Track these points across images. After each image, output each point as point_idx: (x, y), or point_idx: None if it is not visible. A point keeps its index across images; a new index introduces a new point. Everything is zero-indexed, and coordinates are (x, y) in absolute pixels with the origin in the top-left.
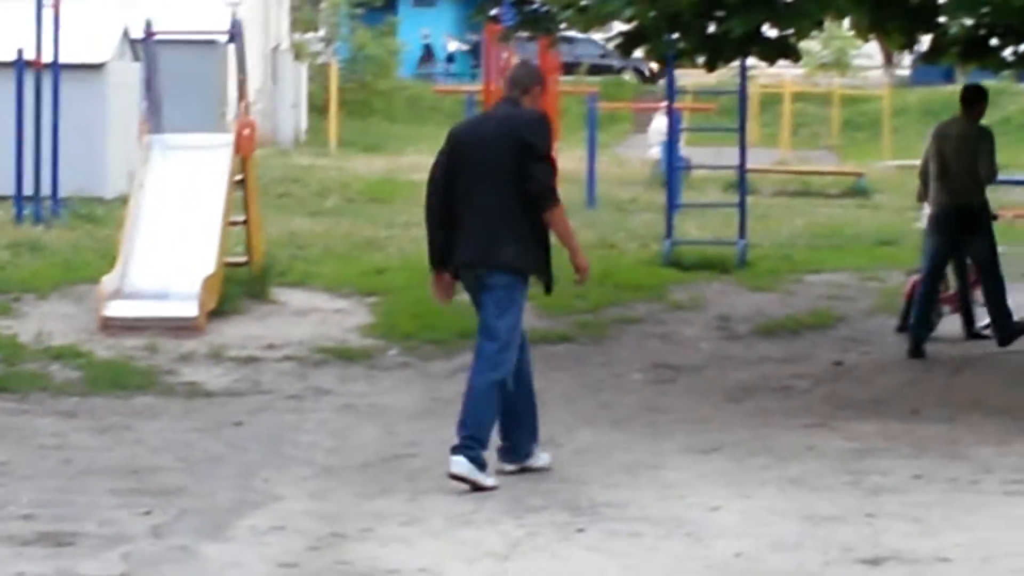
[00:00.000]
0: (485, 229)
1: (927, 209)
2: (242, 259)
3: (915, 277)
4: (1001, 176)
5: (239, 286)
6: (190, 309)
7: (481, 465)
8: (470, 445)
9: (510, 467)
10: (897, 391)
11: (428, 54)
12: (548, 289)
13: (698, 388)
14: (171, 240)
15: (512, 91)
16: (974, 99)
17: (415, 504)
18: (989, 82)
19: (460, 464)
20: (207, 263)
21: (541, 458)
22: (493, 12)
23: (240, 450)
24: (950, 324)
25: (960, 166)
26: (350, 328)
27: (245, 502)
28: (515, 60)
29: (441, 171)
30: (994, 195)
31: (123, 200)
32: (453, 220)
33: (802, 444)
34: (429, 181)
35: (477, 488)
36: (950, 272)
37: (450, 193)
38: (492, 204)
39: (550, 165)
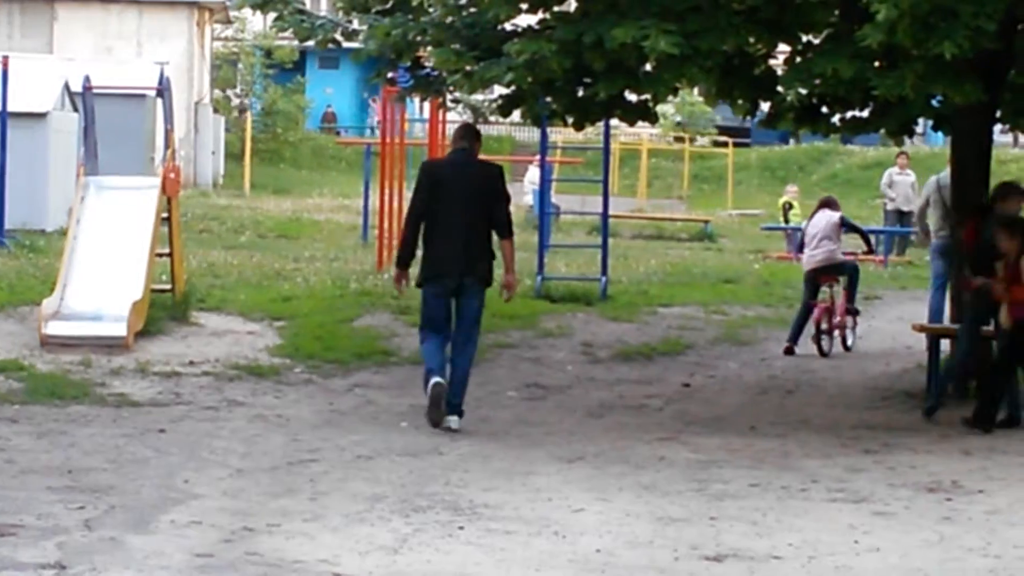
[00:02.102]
0: (465, 248)
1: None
2: (166, 286)
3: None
4: None
5: (163, 310)
6: (120, 329)
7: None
8: (460, 407)
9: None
10: (737, 410)
11: (330, 114)
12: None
13: (565, 405)
14: (104, 268)
15: (462, 143)
16: None
17: (316, 503)
18: (819, 144)
19: (455, 421)
20: (135, 289)
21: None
22: (390, 75)
23: (163, 453)
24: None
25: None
26: (261, 348)
27: (167, 499)
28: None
29: (423, 198)
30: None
31: (62, 233)
32: (431, 236)
33: (655, 455)
34: (411, 206)
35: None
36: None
37: (429, 216)
38: (470, 229)
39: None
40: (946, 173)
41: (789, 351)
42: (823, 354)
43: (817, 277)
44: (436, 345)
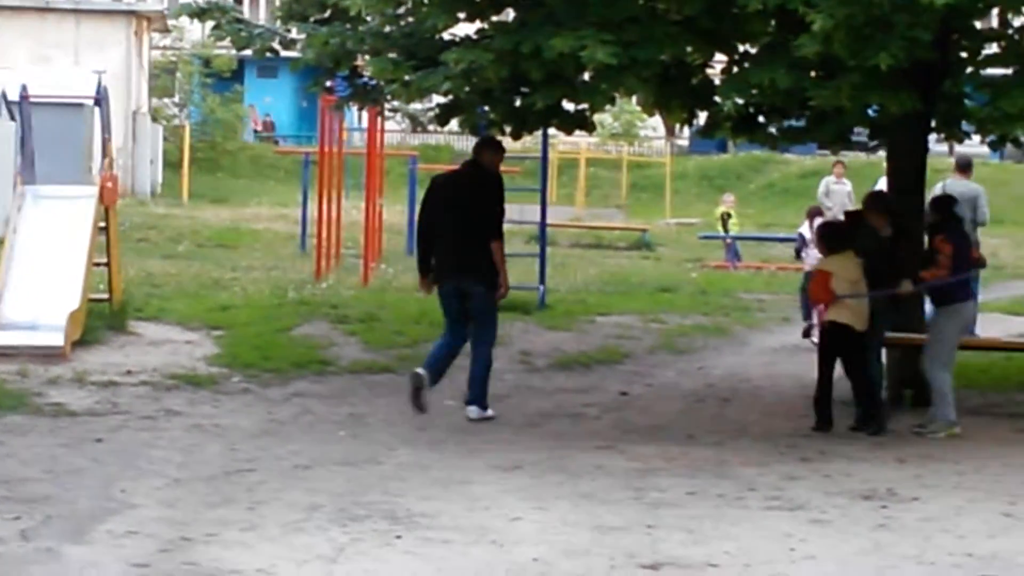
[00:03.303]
0: (459, 253)
1: None
2: (104, 296)
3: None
4: (765, 234)
5: (101, 319)
6: (57, 339)
7: (485, 408)
8: (479, 400)
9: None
10: (675, 418)
11: (269, 123)
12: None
13: (503, 414)
14: (41, 278)
15: (474, 155)
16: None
17: (254, 512)
18: (756, 153)
19: (474, 411)
20: (73, 299)
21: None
22: (328, 84)
23: (100, 463)
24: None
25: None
26: (198, 357)
27: (104, 509)
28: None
29: (428, 209)
30: (758, 250)
31: None
32: (437, 243)
33: (592, 464)
34: (420, 216)
35: (486, 419)
36: None
37: (434, 225)
38: (463, 235)
39: (502, 211)
40: (952, 180)
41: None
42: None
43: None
44: (440, 344)
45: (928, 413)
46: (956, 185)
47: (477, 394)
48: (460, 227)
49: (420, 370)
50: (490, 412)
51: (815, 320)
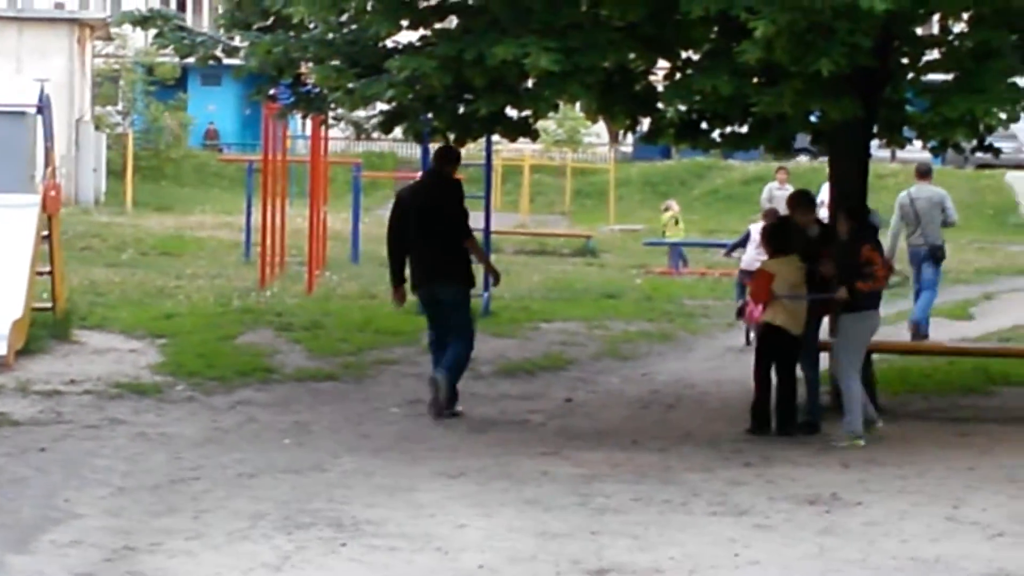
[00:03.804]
0: (431, 258)
1: None
2: (47, 304)
3: None
4: (708, 240)
5: (44, 328)
6: (0, 348)
7: (454, 404)
8: (455, 400)
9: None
10: (619, 424)
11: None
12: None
13: (447, 421)
14: None
15: (444, 163)
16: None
17: (199, 521)
18: (699, 159)
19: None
20: (16, 308)
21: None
22: (271, 92)
23: (44, 473)
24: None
25: (929, 218)
26: (143, 366)
27: (47, 519)
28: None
29: (396, 222)
30: (703, 256)
31: None
32: (418, 251)
33: (537, 470)
34: (389, 229)
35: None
36: None
37: (404, 236)
38: (432, 241)
39: (467, 213)
40: (916, 187)
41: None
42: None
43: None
44: (435, 346)
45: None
46: (922, 191)
47: (454, 389)
48: (430, 235)
49: (433, 375)
50: (459, 408)
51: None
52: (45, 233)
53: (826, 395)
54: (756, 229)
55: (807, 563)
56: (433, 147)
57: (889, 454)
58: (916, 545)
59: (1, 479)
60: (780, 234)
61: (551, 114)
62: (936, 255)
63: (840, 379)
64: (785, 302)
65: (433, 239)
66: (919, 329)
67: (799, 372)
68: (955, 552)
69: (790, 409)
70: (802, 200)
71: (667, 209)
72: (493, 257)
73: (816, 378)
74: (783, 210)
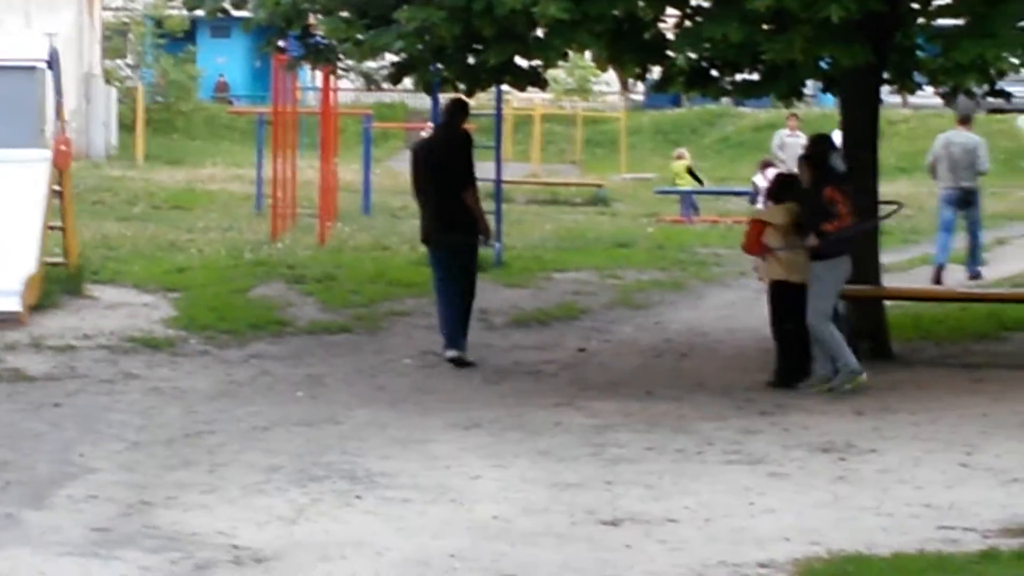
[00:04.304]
0: (440, 211)
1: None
2: (60, 259)
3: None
4: (721, 187)
5: (57, 283)
6: (14, 304)
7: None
8: (464, 345)
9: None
10: (632, 374)
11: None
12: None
13: (461, 372)
14: None
15: (443, 118)
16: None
17: (214, 475)
18: (710, 107)
19: (453, 352)
20: (29, 263)
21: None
22: (280, 44)
23: (59, 428)
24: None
25: (964, 163)
26: (156, 320)
27: (63, 474)
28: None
29: (415, 175)
30: (714, 204)
31: None
32: (422, 205)
33: (551, 421)
34: (412, 183)
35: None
36: None
37: (426, 187)
38: (442, 194)
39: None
40: (954, 131)
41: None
42: None
43: None
44: (444, 306)
45: (812, 369)
46: (958, 136)
47: (462, 334)
48: (443, 188)
49: (452, 352)
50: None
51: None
52: (56, 188)
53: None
54: (758, 180)
55: (821, 511)
56: (443, 97)
57: (902, 401)
58: (930, 492)
59: (16, 435)
60: (779, 183)
61: (561, 63)
62: (968, 199)
63: (815, 327)
64: (779, 253)
65: (447, 192)
66: (943, 273)
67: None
68: (969, 498)
69: (800, 359)
70: (819, 142)
71: (679, 157)
72: (504, 207)
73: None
74: (793, 159)
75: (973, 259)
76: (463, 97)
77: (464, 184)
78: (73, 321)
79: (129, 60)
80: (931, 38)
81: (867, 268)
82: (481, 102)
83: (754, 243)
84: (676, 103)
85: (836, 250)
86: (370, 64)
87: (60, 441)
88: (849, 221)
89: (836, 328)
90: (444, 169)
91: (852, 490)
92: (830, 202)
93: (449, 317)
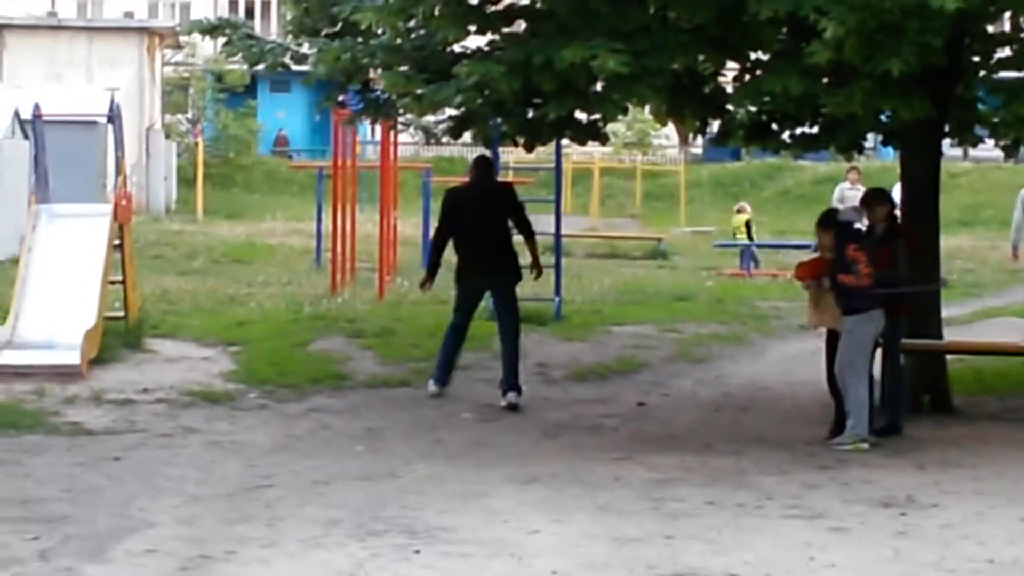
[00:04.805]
0: (500, 250)
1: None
2: (120, 313)
3: None
4: (780, 241)
5: (117, 337)
6: (73, 357)
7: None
8: (517, 385)
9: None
10: (692, 428)
11: (282, 138)
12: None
13: (520, 426)
14: (57, 296)
15: (474, 172)
16: None
17: (273, 529)
18: (770, 160)
19: (514, 396)
20: (89, 317)
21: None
22: (340, 98)
23: (118, 482)
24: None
25: None
26: (215, 374)
27: (122, 528)
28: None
29: (452, 220)
30: (773, 257)
31: (14, 261)
32: (460, 247)
33: (610, 475)
34: (440, 227)
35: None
36: None
37: (457, 233)
38: (499, 236)
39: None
40: None
41: None
42: None
43: None
44: (450, 346)
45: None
46: None
47: (516, 380)
48: (484, 233)
49: (433, 389)
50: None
51: None
52: (117, 242)
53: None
54: None
55: (883, 566)
56: (502, 151)
57: (964, 455)
58: (993, 547)
59: (76, 488)
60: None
61: (620, 117)
62: None
63: (844, 383)
64: (819, 286)
65: (488, 236)
66: None
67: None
68: None
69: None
70: (874, 197)
71: (740, 211)
72: (564, 261)
73: (899, 376)
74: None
75: None
76: (485, 154)
77: (527, 235)
78: (133, 375)
79: (189, 115)
80: (992, 91)
81: (929, 322)
82: (540, 156)
83: (807, 271)
84: (736, 156)
85: (866, 304)
86: (429, 118)
87: (119, 495)
88: (868, 281)
89: (866, 387)
90: (486, 217)
91: (913, 545)
92: (852, 261)
93: (447, 357)
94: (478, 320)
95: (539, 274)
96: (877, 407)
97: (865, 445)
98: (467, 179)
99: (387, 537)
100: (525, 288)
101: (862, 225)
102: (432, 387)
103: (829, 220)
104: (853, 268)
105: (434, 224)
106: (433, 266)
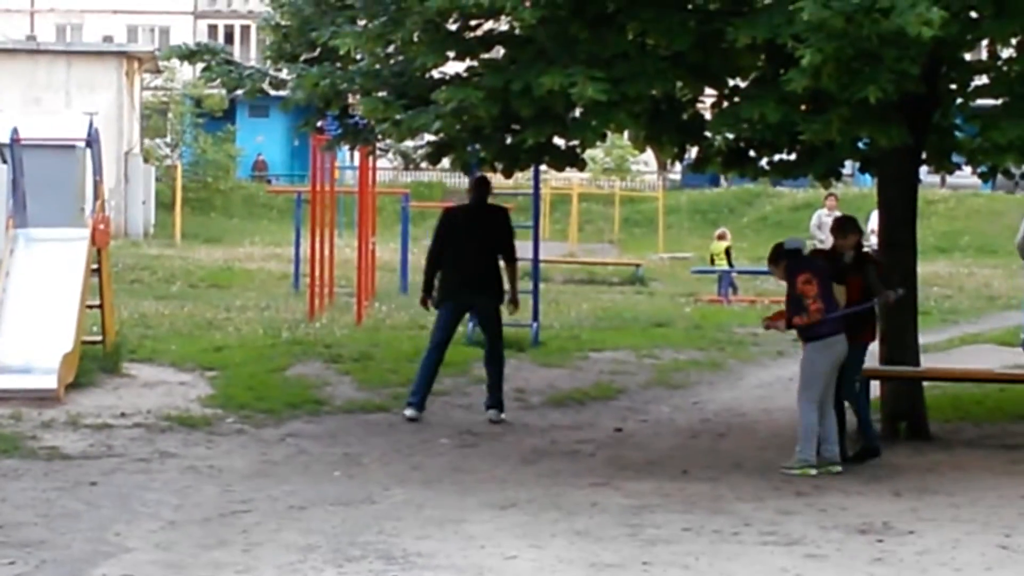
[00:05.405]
0: (486, 271)
1: None
2: (97, 338)
3: None
4: (758, 267)
5: (94, 361)
6: (51, 382)
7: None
8: (500, 402)
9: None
10: (669, 454)
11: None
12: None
13: (497, 452)
14: (34, 320)
15: (472, 193)
16: None
17: (249, 554)
18: (748, 186)
19: (495, 414)
20: (66, 341)
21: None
22: (319, 123)
23: (94, 507)
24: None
25: None
26: (192, 399)
27: (98, 553)
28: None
29: (446, 238)
30: (751, 283)
31: None
32: (449, 265)
33: (587, 501)
34: (434, 245)
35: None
36: None
37: (450, 251)
38: (488, 257)
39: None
40: None
41: None
42: None
43: None
44: (429, 365)
45: (820, 450)
46: None
47: (500, 398)
48: (477, 254)
49: (409, 412)
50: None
51: None
52: (95, 266)
53: (876, 421)
54: None
55: None
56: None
57: (941, 482)
58: (970, 574)
59: (52, 513)
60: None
61: (599, 143)
62: None
63: (799, 408)
64: (775, 327)
65: (480, 258)
66: None
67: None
68: None
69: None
70: (843, 225)
71: (721, 237)
72: (542, 287)
73: (865, 403)
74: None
75: None
76: (485, 175)
77: (509, 261)
78: (110, 399)
79: (168, 139)
80: (969, 118)
81: (905, 349)
82: (519, 182)
83: (774, 317)
84: (714, 183)
85: (825, 331)
86: (408, 144)
87: (96, 520)
88: (817, 316)
89: (816, 413)
90: (479, 238)
91: (890, 572)
92: (801, 295)
93: (425, 380)
94: (456, 345)
95: (515, 307)
96: (851, 433)
97: (813, 471)
98: (452, 202)
99: (364, 563)
100: (503, 314)
101: (819, 242)
102: (409, 412)
103: (778, 254)
104: (803, 303)
105: (412, 249)
106: (428, 284)
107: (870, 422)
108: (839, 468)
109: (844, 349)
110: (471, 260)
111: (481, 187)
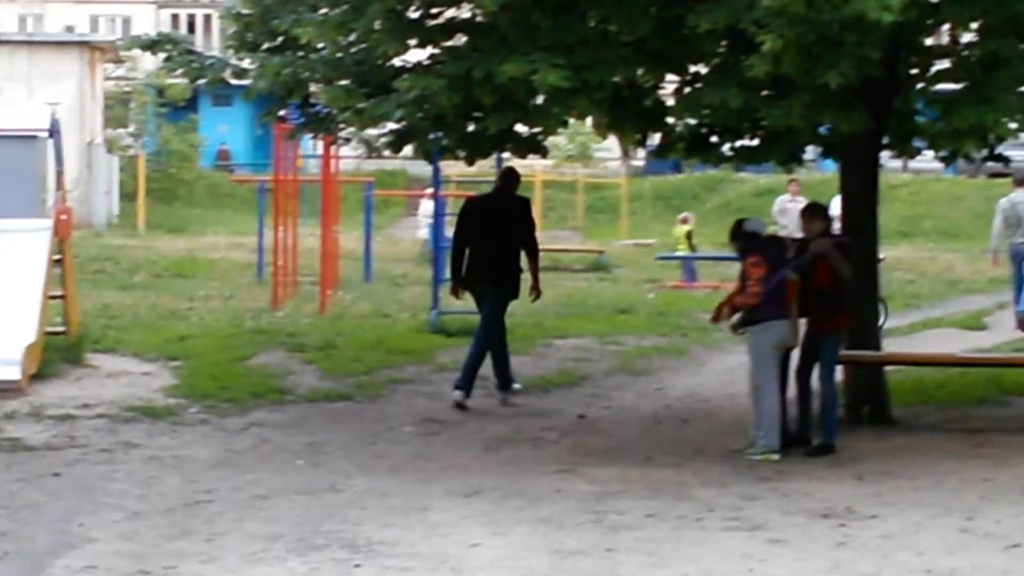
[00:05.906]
0: (500, 263)
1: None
2: (60, 328)
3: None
4: (722, 253)
5: (57, 352)
6: (13, 373)
7: (469, 395)
8: (510, 380)
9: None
10: (633, 440)
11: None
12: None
13: (461, 440)
14: None
15: (507, 183)
16: None
17: (213, 544)
18: (711, 172)
19: (459, 395)
20: (29, 332)
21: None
22: (281, 112)
23: (58, 498)
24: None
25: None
26: (156, 389)
27: (62, 544)
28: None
29: (465, 228)
30: (715, 269)
31: None
32: (473, 254)
33: (551, 488)
34: (455, 234)
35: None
36: None
37: (470, 241)
38: (504, 249)
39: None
40: (1015, 194)
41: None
42: None
43: None
44: (497, 344)
45: (751, 434)
46: (1020, 196)
47: (468, 379)
48: (499, 246)
49: (457, 395)
50: (516, 386)
51: None
52: (57, 257)
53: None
54: None
55: None
56: (443, 164)
57: (904, 466)
58: (931, 558)
59: (15, 504)
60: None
61: (561, 130)
62: None
63: (754, 395)
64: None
65: (501, 250)
66: None
67: (816, 387)
68: (970, 564)
69: (805, 419)
70: (810, 211)
71: (684, 221)
72: None
73: (833, 399)
74: (794, 224)
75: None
76: (513, 167)
77: (530, 252)
78: (73, 390)
79: (131, 129)
80: (930, 103)
81: (867, 333)
82: (481, 169)
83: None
84: (677, 169)
85: (765, 314)
86: (371, 132)
87: (59, 511)
88: (755, 299)
89: (775, 398)
90: (501, 229)
91: (853, 556)
92: (746, 275)
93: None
94: (420, 332)
95: (537, 296)
96: (815, 421)
97: (775, 456)
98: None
99: (328, 551)
100: (467, 301)
101: (782, 228)
102: (457, 395)
103: (735, 233)
104: (746, 284)
105: (376, 238)
106: (456, 272)
107: (835, 420)
108: (776, 457)
109: (784, 334)
110: (491, 251)
111: (507, 179)
